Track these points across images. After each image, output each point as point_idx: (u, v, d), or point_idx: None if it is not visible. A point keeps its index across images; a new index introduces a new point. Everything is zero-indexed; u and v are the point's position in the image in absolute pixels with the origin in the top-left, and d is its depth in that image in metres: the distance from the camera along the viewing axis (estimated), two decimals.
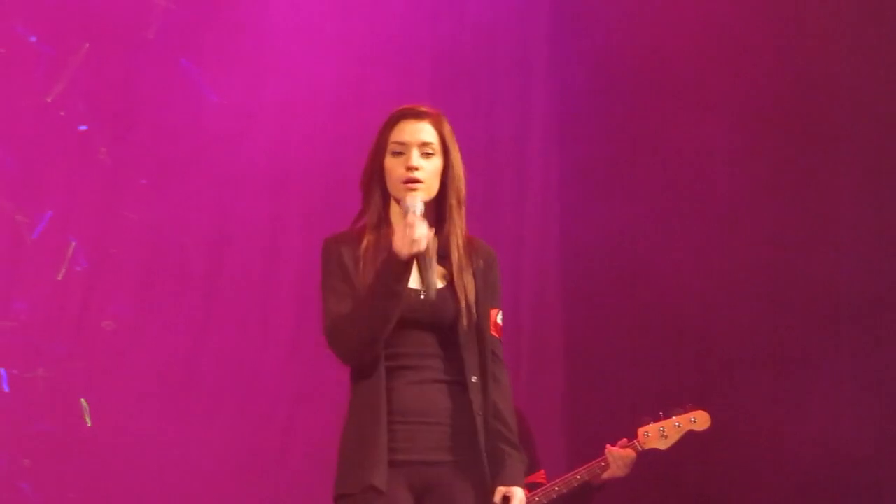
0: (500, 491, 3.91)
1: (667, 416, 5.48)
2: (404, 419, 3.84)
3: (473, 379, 3.88)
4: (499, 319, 4.00)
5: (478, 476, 3.89)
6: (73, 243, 6.39)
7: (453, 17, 7.04)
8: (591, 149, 6.90)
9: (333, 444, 6.23)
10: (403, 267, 3.77)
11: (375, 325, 3.77)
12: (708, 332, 6.39)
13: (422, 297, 3.85)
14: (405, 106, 3.99)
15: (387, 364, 3.85)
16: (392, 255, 3.76)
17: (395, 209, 3.94)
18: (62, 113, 6.42)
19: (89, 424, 6.27)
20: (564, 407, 6.80)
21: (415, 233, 3.76)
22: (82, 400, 6.28)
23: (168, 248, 6.51)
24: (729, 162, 6.52)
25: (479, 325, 3.92)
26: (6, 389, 6.22)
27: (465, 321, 3.88)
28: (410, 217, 3.79)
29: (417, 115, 3.95)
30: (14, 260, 6.30)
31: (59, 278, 6.35)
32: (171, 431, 6.32)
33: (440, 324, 3.88)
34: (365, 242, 3.90)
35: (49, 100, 6.40)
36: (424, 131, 3.93)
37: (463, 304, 3.89)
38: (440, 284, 3.89)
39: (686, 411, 5.48)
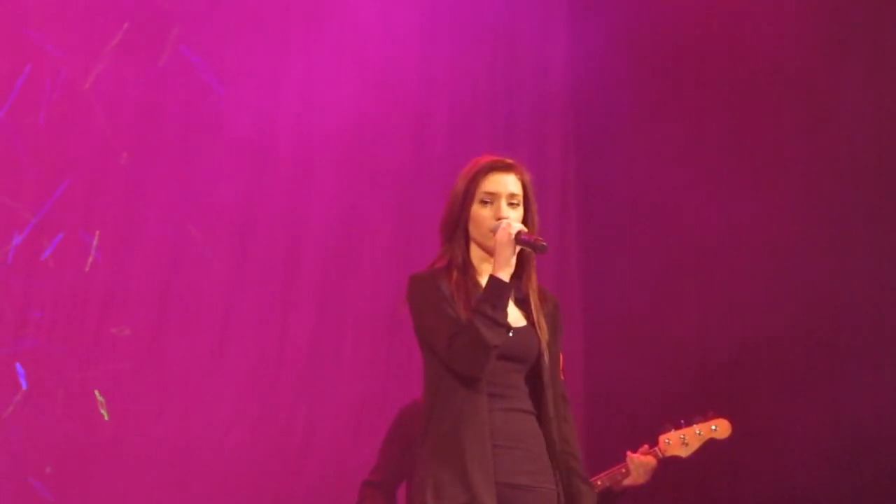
0: None
1: (688, 424, 5.48)
2: (497, 442, 4.04)
3: (548, 415, 4.14)
4: (562, 361, 4.28)
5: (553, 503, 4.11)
6: (94, 250, 6.40)
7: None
8: (609, 149, 6.92)
9: (351, 449, 6.34)
10: (505, 287, 4.01)
11: (491, 344, 3.99)
12: (729, 338, 6.40)
13: (510, 333, 4.08)
14: (493, 158, 4.21)
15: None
16: (493, 277, 4.03)
17: (475, 254, 4.19)
18: (83, 119, 6.43)
19: (106, 418, 6.28)
20: (584, 413, 6.81)
21: (511, 227, 4.06)
22: (96, 392, 6.29)
23: (188, 253, 6.52)
24: (745, 150, 6.56)
25: (552, 366, 4.19)
26: (24, 386, 6.23)
27: (546, 359, 4.15)
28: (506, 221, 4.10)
29: (506, 168, 4.19)
30: (34, 264, 6.30)
31: (80, 283, 6.35)
32: (192, 436, 6.35)
33: (525, 359, 4.13)
34: (454, 278, 4.13)
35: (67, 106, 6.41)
36: (512, 183, 4.18)
37: (544, 344, 4.15)
38: (522, 323, 4.16)
39: (707, 419, 5.49)
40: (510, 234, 4.04)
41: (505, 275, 4.02)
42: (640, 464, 5.41)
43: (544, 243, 4.07)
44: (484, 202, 4.14)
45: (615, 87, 6.95)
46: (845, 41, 6.33)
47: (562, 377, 4.23)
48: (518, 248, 4.06)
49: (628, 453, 5.45)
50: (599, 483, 5.43)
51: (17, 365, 6.25)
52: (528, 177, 4.21)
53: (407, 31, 6.93)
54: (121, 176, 6.45)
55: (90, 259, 6.37)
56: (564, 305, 6.84)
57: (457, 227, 4.17)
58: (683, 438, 5.45)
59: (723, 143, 6.65)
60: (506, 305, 4.02)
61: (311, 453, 6.53)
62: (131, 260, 6.45)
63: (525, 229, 4.09)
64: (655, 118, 6.83)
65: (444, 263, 4.17)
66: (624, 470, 5.43)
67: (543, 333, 4.15)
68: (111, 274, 6.40)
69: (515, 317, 4.15)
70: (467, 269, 4.15)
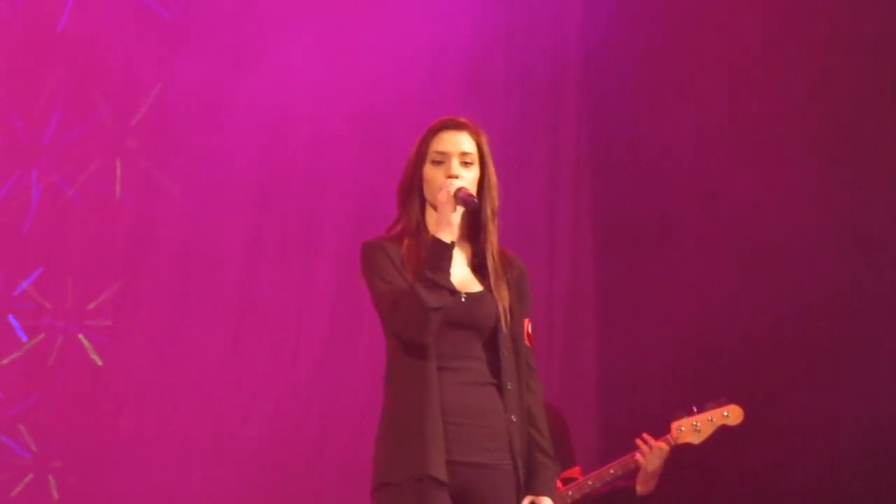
0: (528, 499, 4.01)
1: (700, 411, 5.42)
2: (450, 419, 3.94)
3: (509, 385, 4.00)
4: (529, 329, 4.13)
5: (513, 483, 4.00)
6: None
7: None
8: (624, 134, 6.82)
9: (366, 444, 6.34)
10: (445, 248, 3.89)
11: (429, 307, 3.87)
12: (741, 328, 6.35)
13: (462, 299, 3.97)
14: (445, 117, 4.10)
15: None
16: (433, 238, 3.90)
17: (431, 216, 4.04)
18: (94, 116, 6.46)
19: (100, 364, 6.34)
20: (597, 405, 6.76)
21: (452, 186, 3.92)
22: (81, 336, 6.35)
23: (203, 246, 6.56)
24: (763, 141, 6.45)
25: (514, 333, 4.05)
26: (24, 339, 6.29)
27: (503, 326, 4.01)
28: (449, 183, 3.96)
29: (457, 126, 4.07)
30: (49, 266, 6.39)
31: (92, 276, 6.43)
32: (206, 429, 6.41)
33: (480, 326, 4.01)
34: (405, 245, 4.02)
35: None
36: (464, 142, 4.05)
37: (501, 310, 4.01)
38: (479, 289, 4.03)
39: (719, 406, 5.42)
40: (450, 192, 3.92)
41: (446, 235, 3.90)
42: (652, 447, 5.40)
43: (476, 200, 3.93)
44: (436, 162, 4.02)
45: (630, 55, 6.79)
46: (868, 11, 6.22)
47: (528, 344, 4.08)
48: (461, 209, 3.91)
49: (642, 435, 5.44)
50: (612, 472, 5.41)
51: (16, 326, 6.33)
52: (483, 137, 4.07)
53: (422, 1, 6.88)
54: (133, 163, 6.49)
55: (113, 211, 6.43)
56: (578, 281, 6.89)
57: (411, 191, 4.05)
58: (696, 426, 5.40)
59: (740, 115, 6.51)
60: (447, 267, 3.89)
61: (326, 446, 6.53)
62: (145, 252, 6.50)
63: (466, 187, 3.95)
64: (670, 88, 6.68)
65: (399, 230, 4.06)
66: (637, 457, 5.43)
67: (503, 299, 4.02)
68: (128, 271, 6.45)
69: (471, 282, 4.03)
70: (420, 234, 4.02)
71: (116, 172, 6.50)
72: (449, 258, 3.90)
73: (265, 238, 6.66)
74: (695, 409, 5.45)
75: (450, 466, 3.92)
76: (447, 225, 3.90)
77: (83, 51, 6.47)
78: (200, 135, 6.57)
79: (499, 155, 6.69)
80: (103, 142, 6.49)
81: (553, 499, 4.03)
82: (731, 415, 5.44)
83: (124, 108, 6.52)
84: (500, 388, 4.00)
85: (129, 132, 6.50)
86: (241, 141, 6.63)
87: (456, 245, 3.98)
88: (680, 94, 6.68)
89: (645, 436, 5.39)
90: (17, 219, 6.38)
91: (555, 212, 6.93)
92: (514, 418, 3.99)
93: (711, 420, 5.43)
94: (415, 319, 3.87)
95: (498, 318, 4.01)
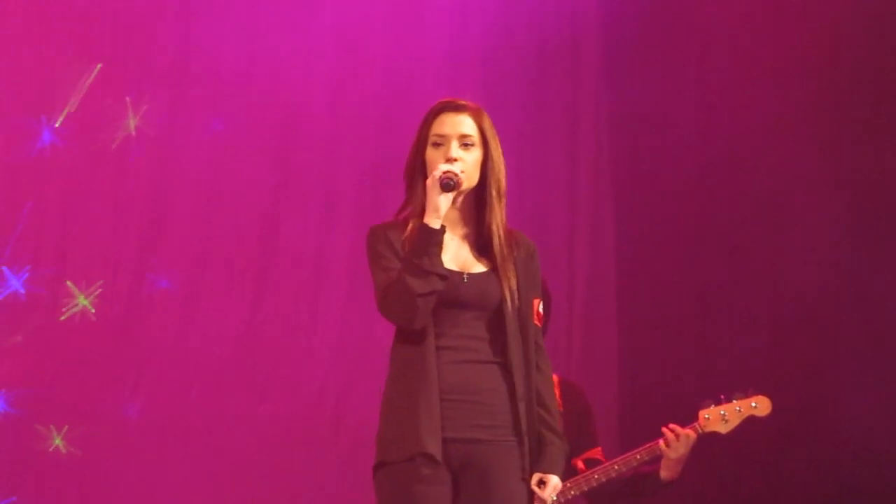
0: (536, 476, 4.05)
1: (728, 400, 5.39)
2: (446, 396, 3.98)
3: (515, 364, 4.02)
4: (540, 309, 4.15)
5: (516, 458, 4.02)
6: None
7: None
8: (643, 80, 6.69)
9: None
10: (431, 233, 3.92)
11: (416, 293, 3.91)
12: (758, 319, 6.32)
13: (465, 279, 4.01)
14: (445, 99, 4.11)
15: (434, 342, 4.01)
16: (421, 224, 3.95)
17: None
18: (113, 80, 6.42)
19: (92, 311, 6.33)
20: (618, 390, 6.74)
21: (438, 170, 3.93)
22: (68, 282, 6.33)
23: (219, 224, 6.55)
24: (776, 129, 6.34)
25: (522, 312, 4.08)
26: (22, 290, 6.28)
27: (509, 306, 4.03)
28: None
29: (457, 108, 4.07)
30: (64, 241, 6.38)
31: (108, 259, 6.41)
32: (225, 408, 6.42)
33: (483, 306, 4.04)
34: (409, 228, 4.04)
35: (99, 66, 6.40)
36: (464, 124, 4.05)
37: (507, 290, 4.03)
38: (484, 269, 4.06)
39: (747, 396, 5.39)
40: (434, 177, 3.95)
41: (433, 221, 3.93)
42: (679, 435, 5.40)
43: (452, 182, 3.93)
44: (436, 145, 4.04)
45: (649, 14, 6.67)
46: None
47: (538, 324, 4.12)
48: (453, 192, 3.94)
49: (669, 425, 5.44)
50: (638, 457, 5.41)
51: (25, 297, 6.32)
52: (485, 118, 4.07)
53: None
54: (148, 134, 6.46)
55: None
56: (599, 265, 6.84)
57: (415, 174, 4.07)
58: (724, 415, 5.37)
59: (763, 72, 6.35)
60: (436, 253, 3.93)
61: (343, 424, 6.52)
62: (160, 226, 6.49)
63: (451, 170, 3.95)
64: (690, 48, 6.56)
65: (407, 213, 4.08)
66: (662, 443, 5.43)
67: (508, 279, 4.04)
68: (143, 246, 6.45)
69: (474, 263, 4.06)
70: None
71: (131, 137, 6.45)
72: (437, 243, 3.94)
73: (282, 214, 6.63)
74: (723, 398, 5.44)
75: (446, 444, 3.96)
76: (434, 210, 3.94)
77: (99, 11, 6.44)
78: (219, 103, 6.53)
79: (514, 132, 6.68)
80: (117, 111, 6.44)
81: (560, 476, 4.06)
82: (760, 405, 5.43)
83: (141, 76, 6.47)
84: (505, 367, 4.03)
85: (145, 101, 6.44)
86: (260, 110, 6.59)
87: (461, 226, 4.08)
88: (699, 55, 6.56)
89: (671, 425, 5.40)
90: (23, 194, 6.37)
91: (574, 185, 6.91)
92: (520, 399, 4.01)
93: (739, 410, 5.41)
94: (404, 307, 3.93)
95: (502, 299, 4.03)
